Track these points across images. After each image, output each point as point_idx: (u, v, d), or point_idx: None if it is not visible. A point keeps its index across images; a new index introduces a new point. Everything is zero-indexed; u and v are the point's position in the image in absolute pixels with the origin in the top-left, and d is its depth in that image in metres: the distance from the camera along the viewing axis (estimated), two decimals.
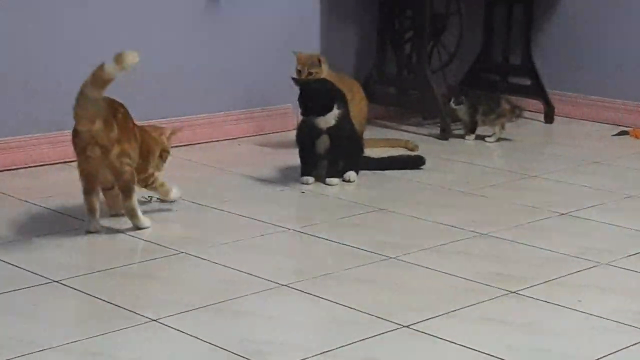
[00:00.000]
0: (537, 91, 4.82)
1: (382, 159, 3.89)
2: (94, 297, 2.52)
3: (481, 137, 4.35)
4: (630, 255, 2.92)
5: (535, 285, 2.65)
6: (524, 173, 3.85)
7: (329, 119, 3.54)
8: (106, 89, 2.82)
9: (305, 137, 3.62)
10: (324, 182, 3.58)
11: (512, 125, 4.68)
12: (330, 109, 3.53)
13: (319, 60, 3.97)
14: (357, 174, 3.66)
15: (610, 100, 4.75)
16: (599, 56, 4.77)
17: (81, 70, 3.82)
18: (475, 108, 4.28)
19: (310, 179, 3.59)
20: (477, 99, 4.30)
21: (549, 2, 4.88)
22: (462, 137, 4.37)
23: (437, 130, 4.44)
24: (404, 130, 4.48)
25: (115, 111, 2.96)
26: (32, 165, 3.73)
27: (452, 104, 4.29)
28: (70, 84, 3.80)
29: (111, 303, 2.48)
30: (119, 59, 2.78)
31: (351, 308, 2.47)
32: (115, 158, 2.91)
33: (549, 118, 4.79)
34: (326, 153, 3.59)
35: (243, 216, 3.21)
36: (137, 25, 3.96)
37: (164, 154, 3.20)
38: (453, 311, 2.47)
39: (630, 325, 2.40)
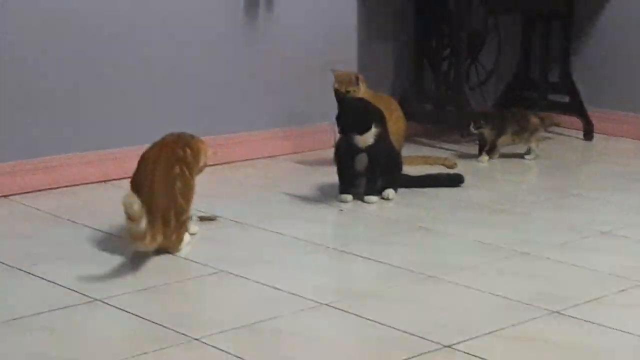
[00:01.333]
0: (576, 108, 4.78)
1: (421, 176, 3.88)
2: (136, 315, 2.53)
3: (520, 155, 4.31)
4: None
5: (577, 304, 2.63)
6: (564, 191, 3.82)
7: (368, 138, 3.54)
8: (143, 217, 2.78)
9: (344, 155, 3.62)
10: (363, 200, 3.58)
11: (552, 143, 4.66)
12: (368, 128, 3.53)
13: (357, 79, 3.97)
14: (396, 191, 3.66)
15: None
16: (637, 73, 4.73)
17: (123, 91, 3.88)
18: (502, 129, 4.21)
19: (349, 197, 3.59)
20: (504, 119, 4.23)
21: (587, 18, 4.85)
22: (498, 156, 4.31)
23: (475, 148, 4.42)
24: (441, 148, 4.47)
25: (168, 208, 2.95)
26: (73, 184, 3.76)
27: (472, 129, 4.24)
28: (112, 104, 3.86)
29: (152, 322, 2.48)
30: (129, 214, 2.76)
31: (392, 327, 2.46)
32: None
33: (588, 135, 4.76)
34: (365, 171, 3.59)
35: (282, 234, 3.22)
36: (177, 43, 3.99)
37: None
38: (495, 331, 2.45)
39: None
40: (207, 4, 4.07)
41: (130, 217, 2.73)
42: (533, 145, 4.27)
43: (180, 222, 2.97)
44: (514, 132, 4.22)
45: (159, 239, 2.86)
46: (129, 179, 3.03)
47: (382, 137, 3.59)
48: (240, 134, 4.22)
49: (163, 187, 2.94)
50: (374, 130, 3.54)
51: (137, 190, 2.91)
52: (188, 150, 3.04)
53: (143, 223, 2.74)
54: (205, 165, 3.14)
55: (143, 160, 3.03)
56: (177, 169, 2.99)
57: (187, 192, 2.99)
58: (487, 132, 4.21)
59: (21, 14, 3.59)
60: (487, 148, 4.22)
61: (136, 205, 2.71)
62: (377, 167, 3.59)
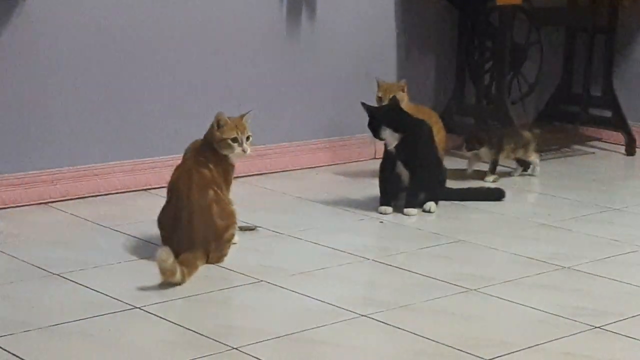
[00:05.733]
0: (619, 123, 4.74)
1: (462, 190, 3.87)
2: (175, 324, 2.54)
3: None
4: None
5: (619, 320, 2.60)
6: (606, 206, 3.79)
7: (394, 137, 3.52)
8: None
9: (385, 166, 3.62)
10: (403, 213, 3.57)
11: (593, 158, 4.63)
12: (396, 125, 3.50)
13: (401, 89, 3.98)
14: (437, 204, 3.64)
15: None
16: None
17: (163, 101, 3.90)
18: (500, 147, 4.11)
19: (389, 209, 3.58)
20: (500, 138, 4.13)
21: (630, 32, 4.81)
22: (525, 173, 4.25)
23: (511, 162, 4.39)
24: (483, 161, 4.44)
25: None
26: (113, 192, 3.79)
27: (464, 150, 4.14)
28: (152, 114, 3.88)
29: (192, 330, 2.49)
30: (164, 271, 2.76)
31: (431, 340, 2.45)
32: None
33: (630, 150, 4.71)
34: (407, 183, 3.58)
35: (322, 245, 3.21)
36: (217, 53, 4.02)
37: None
38: (535, 345, 2.43)
39: None
40: (249, 15, 4.08)
41: (163, 271, 2.74)
42: (532, 158, 4.18)
43: (223, 240, 2.98)
44: (511, 149, 4.13)
45: (194, 271, 2.86)
46: (159, 214, 3.03)
47: (417, 145, 3.58)
48: (281, 144, 4.23)
49: (201, 218, 2.94)
50: (397, 135, 3.52)
51: (175, 224, 2.94)
52: (212, 166, 3.00)
53: (171, 258, 2.73)
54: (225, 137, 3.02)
55: (174, 190, 3.00)
56: (210, 194, 2.97)
57: (225, 211, 3.00)
58: (484, 152, 4.10)
59: (60, 23, 3.63)
60: (490, 167, 4.11)
61: (169, 261, 2.72)
62: (419, 180, 3.58)
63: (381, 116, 3.57)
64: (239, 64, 4.08)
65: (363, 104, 3.61)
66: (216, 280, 2.88)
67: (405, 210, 3.57)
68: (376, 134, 3.57)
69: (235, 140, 3.01)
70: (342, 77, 4.37)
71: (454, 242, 3.28)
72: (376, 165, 3.76)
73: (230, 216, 3.02)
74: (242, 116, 3.06)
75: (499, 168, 4.15)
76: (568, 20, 4.82)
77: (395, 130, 3.54)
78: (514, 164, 4.23)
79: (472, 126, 4.54)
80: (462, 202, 3.75)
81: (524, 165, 4.22)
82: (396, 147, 3.56)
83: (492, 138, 4.11)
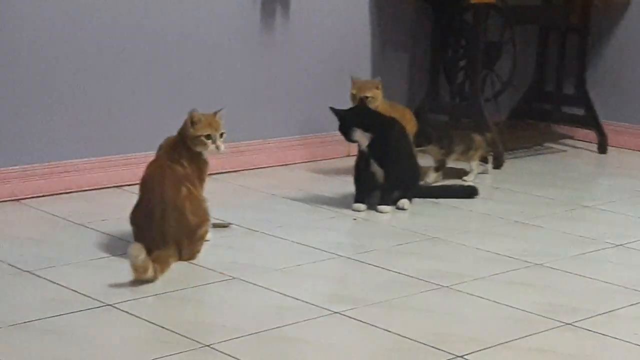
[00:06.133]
0: (591, 121, 4.77)
1: (436, 187, 3.89)
2: (148, 321, 2.53)
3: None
4: None
5: (590, 317, 2.62)
6: (578, 203, 3.81)
7: (363, 137, 3.53)
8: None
9: (359, 164, 3.62)
10: (377, 210, 3.58)
11: (566, 156, 4.65)
12: (366, 125, 3.52)
13: (376, 86, 3.98)
14: (411, 202, 3.65)
15: None
16: None
17: (136, 97, 3.89)
18: (450, 149, 4.04)
19: (362, 206, 3.59)
20: (451, 140, 4.06)
21: (603, 31, 4.84)
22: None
23: (490, 159, 4.40)
24: (455, 159, 4.45)
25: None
26: (85, 189, 3.77)
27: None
28: (125, 110, 3.87)
29: (164, 328, 2.48)
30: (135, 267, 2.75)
31: (404, 337, 2.46)
32: None
33: (602, 148, 4.74)
34: (381, 181, 3.59)
35: (295, 242, 3.21)
36: (192, 50, 4.00)
37: None
38: (508, 342, 2.44)
39: None
40: (223, 13, 4.07)
41: (135, 268, 2.73)
42: (474, 164, 4.10)
43: (196, 238, 2.98)
44: (461, 151, 4.07)
45: (166, 268, 2.85)
46: (132, 211, 3.01)
47: (397, 147, 3.59)
48: (256, 141, 4.23)
49: (174, 215, 2.94)
50: (368, 134, 3.52)
51: (148, 221, 2.93)
52: (185, 163, 2.99)
53: (143, 255, 2.72)
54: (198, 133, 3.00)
55: (147, 186, 2.99)
56: (183, 191, 2.97)
57: (199, 208, 2.99)
58: (432, 150, 4.01)
59: (31, 17, 3.61)
60: (435, 166, 4.04)
61: (141, 257, 2.71)
62: (393, 177, 3.58)
63: (350, 118, 3.58)
64: (213, 61, 4.07)
65: (332, 109, 3.62)
66: (189, 278, 2.88)
67: (379, 207, 3.58)
68: (347, 136, 3.58)
69: (208, 137, 3.00)
70: (316, 74, 4.37)
71: (427, 239, 3.29)
72: (350, 162, 3.77)
73: (203, 213, 3.01)
74: (215, 113, 3.06)
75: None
76: (541, 19, 4.85)
77: (366, 130, 3.55)
78: (476, 164, 4.15)
79: (445, 124, 4.56)
80: (436, 200, 3.76)
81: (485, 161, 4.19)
82: (368, 146, 3.57)
83: (443, 138, 4.04)
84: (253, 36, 4.17)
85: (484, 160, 4.20)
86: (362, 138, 3.57)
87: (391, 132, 3.60)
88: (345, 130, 3.58)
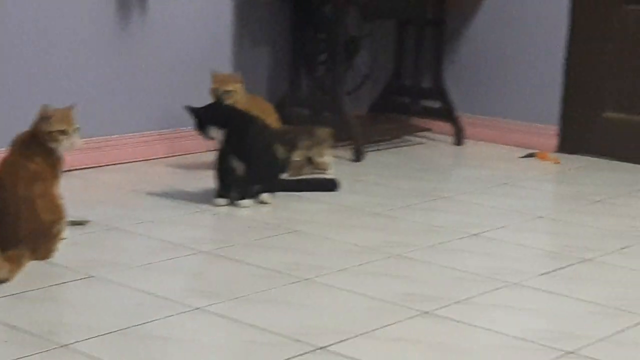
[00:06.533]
0: (447, 114, 4.89)
1: (297, 180, 3.91)
2: (1, 322, 2.45)
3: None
4: (540, 275, 2.97)
5: (448, 305, 2.68)
6: (436, 194, 3.90)
7: (219, 133, 3.54)
8: None
9: (219, 159, 3.60)
10: (236, 205, 3.57)
11: (423, 148, 4.75)
12: (221, 121, 3.53)
13: (236, 81, 3.97)
14: (273, 195, 3.66)
15: (518, 122, 4.84)
16: (506, 79, 4.87)
17: None
18: (294, 144, 4.02)
19: (223, 201, 3.57)
20: (295, 136, 4.05)
21: (458, 26, 4.97)
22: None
23: (350, 152, 4.46)
24: (301, 155, 4.47)
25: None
26: None
27: None
28: None
29: (18, 328, 2.41)
30: None
31: (267, 330, 2.46)
32: None
33: (458, 140, 4.86)
34: (241, 175, 3.58)
35: (155, 238, 3.18)
36: (50, 46, 3.90)
37: None
38: (368, 332, 2.47)
39: (541, 344, 2.44)
40: (78, 5, 3.98)
41: None
42: (325, 159, 4.08)
43: (51, 235, 2.90)
44: (306, 147, 4.04)
45: (20, 268, 2.77)
46: None
47: (255, 141, 3.59)
48: (115, 137, 4.15)
49: (27, 213, 2.86)
50: (221, 131, 3.53)
51: (0, 219, 2.85)
52: (39, 159, 2.91)
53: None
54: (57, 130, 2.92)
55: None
56: (37, 188, 2.88)
57: (53, 205, 2.91)
58: (281, 149, 3.89)
59: None
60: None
61: None
62: (253, 171, 3.58)
63: (205, 116, 3.57)
64: (69, 56, 3.97)
65: (187, 107, 3.59)
66: (45, 277, 2.80)
67: (239, 202, 3.57)
68: (204, 134, 3.57)
69: (62, 132, 2.93)
70: (176, 68, 4.32)
71: (289, 233, 3.30)
72: (211, 157, 3.74)
73: (58, 210, 2.93)
74: (69, 108, 2.98)
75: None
76: (398, 13, 4.93)
77: (222, 126, 3.54)
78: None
79: (307, 117, 4.59)
80: (298, 193, 3.78)
81: (314, 164, 4.12)
82: (226, 141, 3.56)
83: (286, 135, 4.02)
84: (110, 29, 4.09)
85: (310, 160, 4.10)
86: (219, 134, 3.56)
87: (248, 127, 3.59)
88: (202, 129, 3.57)
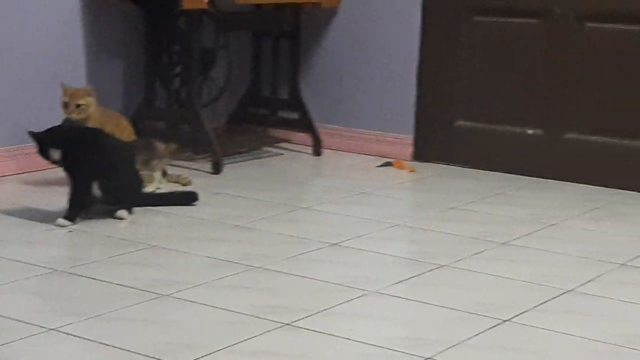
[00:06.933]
0: (305, 124, 4.92)
1: (154, 195, 3.86)
2: None
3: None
4: (397, 283, 3.02)
5: (309, 316, 2.69)
6: (295, 205, 3.91)
7: (58, 155, 3.48)
8: None
9: (69, 178, 3.52)
10: (91, 219, 3.49)
11: (282, 159, 4.77)
12: (59, 142, 3.47)
13: (88, 94, 3.89)
14: (130, 211, 3.59)
15: (374, 132, 4.92)
16: (361, 90, 4.94)
17: None
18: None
19: (78, 218, 3.48)
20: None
21: (313, 37, 5.01)
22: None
23: (209, 165, 4.43)
24: (175, 166, 4.44)
25: None
26: None
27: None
28: None
29: None
30: None
31: (124, 349, 2.41)
32: None
33: (317, 151, 4.90)
34: (99, 191, 3.50)
35: (5, 258, 3.07)
36: None
37: None
38: (229, 346, 2.45)
39: (400, 351, 2.47)
40: None
41: None
42: (157, 174, 3.99)
43: None
44: (143, 161, 3.91)
45: None
46: None
47: (102, 157, 3.52)
48: None
49: None
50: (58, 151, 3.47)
51: None
52: None
53: None
54: None
55: None
56: None
57: None
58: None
59: None
60: None
61: None
62: (110, 188, 3.51)
63: (46, 139, 3.49)
64: None
65: (29, 133, 3.50)
66: None
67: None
68: (47, 158, 3.49)
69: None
70: (25, 84, 4.20)
71: (147, 248, 3.25)
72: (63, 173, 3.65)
73: None
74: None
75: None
76: (254, 25, 4.93)
77: (63, 147, 3.47)
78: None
79: (163, 130, 4.53)
80: (156, 208, 3.72)
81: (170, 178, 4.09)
82: (71, 161, 3.48)
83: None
84: None
85: (164, 173, 4.04)
86: (61, 156, 3.48)
87: (90, 143, 3.52)
88: (43, 153, 3.49)
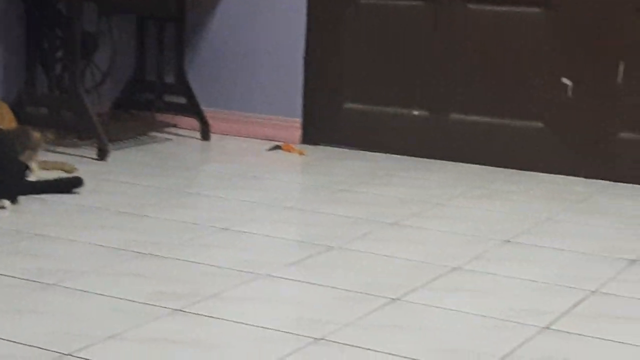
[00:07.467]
0: (193, 109, 4.88)
1: (37, 182, 3.76)
2: None
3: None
4: (288, 265, 3.02)
5: (199, 301, 2.67)
6: (184, 190, 3.88)
7: None
8: None
9: None
10: None
11: (170, 145, 4.72)
12: None
13: None
14: (13, 200, 3.50)
15: (263, 116, 4.91)
16: (248, 74, 4.92)
17: None
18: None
19: None
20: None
21: (199, 21, 4.96)
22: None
23: (94, 151, 4.35)
24: (59, 152, 4.34)
25: None
26: None
27: None
28: None
29: None
30: None
31: (11, 342, 2.34)
32: None
33: (205, 135, 4.87)
34: None
35: None
36: None
37: None
38: (118, 334, 2.42)
39: (290, 333, 2.48)
40: None
41: None
42: (33, 164, 3.88)
43: None
44: (18, 151, 3.75)
45: None
46: None
47: None
48: None
49: None
50: None
51: None
52: None
53: None
54: None
55: None
56: None
57: None
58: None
59: None
60: None
61: None
62: None
63: None
64: None
65: None
66: None
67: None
68: None
69: None
70: None
71: (32, 237, 3.17)
72: None
73: None
74: None
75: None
76: (137, 8, 4.85)
77: None
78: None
79: (45, 117, 4.42)
80: (40, 196, 3.64)
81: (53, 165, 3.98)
82: None
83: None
84: None
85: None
86: None
87: None
88: None
